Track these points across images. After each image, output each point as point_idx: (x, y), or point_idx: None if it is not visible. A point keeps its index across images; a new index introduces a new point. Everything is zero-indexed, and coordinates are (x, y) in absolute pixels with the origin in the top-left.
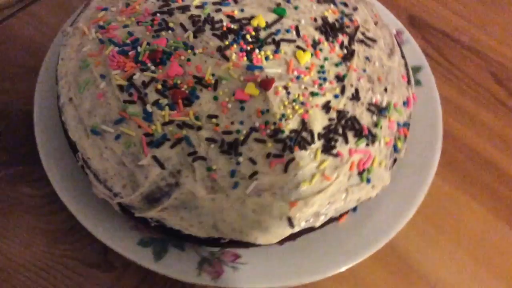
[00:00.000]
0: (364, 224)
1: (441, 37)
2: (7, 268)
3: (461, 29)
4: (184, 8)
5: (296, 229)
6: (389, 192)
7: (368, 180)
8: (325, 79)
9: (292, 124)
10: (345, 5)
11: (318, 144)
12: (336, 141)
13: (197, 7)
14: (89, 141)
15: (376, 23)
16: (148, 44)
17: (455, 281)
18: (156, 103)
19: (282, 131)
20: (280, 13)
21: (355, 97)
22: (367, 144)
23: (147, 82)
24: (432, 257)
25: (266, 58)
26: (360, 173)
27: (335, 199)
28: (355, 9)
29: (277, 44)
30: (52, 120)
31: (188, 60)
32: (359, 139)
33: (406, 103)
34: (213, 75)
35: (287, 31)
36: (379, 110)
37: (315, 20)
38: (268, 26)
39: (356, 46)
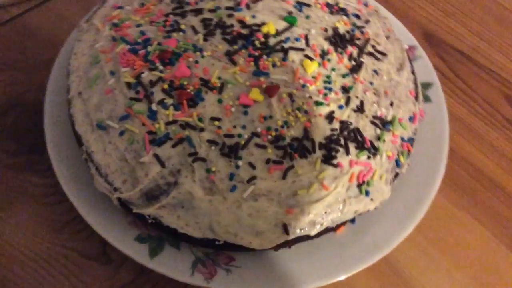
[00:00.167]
0: (362, 236)
1: (456, 55)
2: (7, 253)
3: (477, 48)
4: (197, 11)
5: (291, 236)
6: (389, 206)
7: (367, 193)
8: (330, 89)
9: (294, 131)
10: (358, 17)
11: (318, 153)
12: (337, 151)
13: (210, 10)
14: (94, 135)
15: (388, 37)
16: (158, 44)
17: None
18: (161, 102)
19: (284, 138)
20: (291, 21)
21: (360, 109)
22: (369, 157)
23: (154, 81)
24: (429, 275)
25: (273, 65)
26: (359, 185)
27: (332, 209)
28: (367, 22)
29: (285, 52)
30: (62, 112)
31: (196, 62)
32: (360, 151)
33: (412, 119)
34: (219, 78)
35: (297, 39)
36: (383, 124)
37: (326, 30)
38: (278, 33)
39: (365, 59)
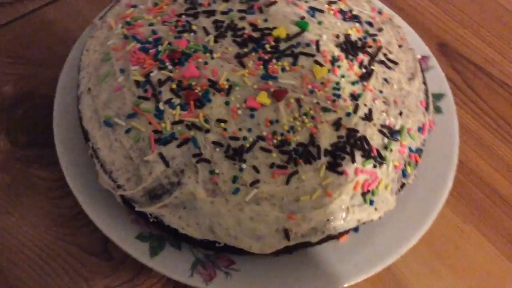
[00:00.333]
0: (364, 245)
1: (470, 67)
2: (10, 245)
3: (491, 60)
4: (210, 13)
5: (292, 242)
6: (394, 217)
7: (371, 202)
8: (339, 96)
9: (300, 137)
10: (371, 25)
11: (323, 160)
12: (342, 159)
13: (222, 12)
14: (100, 131)
15: (400, 46)
16: (169, 44)
17: None
18: (168, 102)
19: (289, 143)
20: (302, 26)
21: (368, 117)
22: (375, 166)
23: (163, 81)
24: None
25: (283, 69)
26: (364, 194)
27: (334, 217)
28: (380, 30)
29: (295, 56)
30: (71, 108)
31: (206, 63)
32: (366, 160)
33: (421, 129)
34: (227, 80)
35: (307, 45)
36: (391, 133)
37: (338, 37)
38: (289, 38)
39: (376, 67)
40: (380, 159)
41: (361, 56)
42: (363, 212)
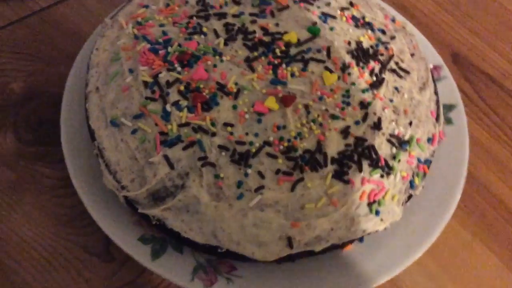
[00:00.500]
0: (369, 256)
1: (483, 78)
2: (12, 242)
3: (504, 72)
4: (221, 15)
5: (295, 250)
6: (400, 228)
7: (377, 213)
8: (348, 104)
9: (307, 143)
10: (383, 32)
11: (330, 168)
12: (349, 167)
13: (233, 15)
14: (107, 131)
15: (412, 55)
16: (179, 45)
17: None
18: (176, 104)
19: (296, 150)
20: (314, 32)
21: (377, 126)
22: (382, 176)
23: (171, 82)
24: None
25: (292, 74)
26: (370, 204)
27: (339, 226)
28: (392, 37)
29: (305, 62)
30: (79, 106)
31: (215, 66)
32: (374, 169)
33: (430, 140)
34: (236, 84)
35: (318, 50)
36: (400, 143)
37: (349, 43)
38: (299, 43)
39: (387, 75)
40: (387, 169)
41: (372, 64)
42: (369, 223)
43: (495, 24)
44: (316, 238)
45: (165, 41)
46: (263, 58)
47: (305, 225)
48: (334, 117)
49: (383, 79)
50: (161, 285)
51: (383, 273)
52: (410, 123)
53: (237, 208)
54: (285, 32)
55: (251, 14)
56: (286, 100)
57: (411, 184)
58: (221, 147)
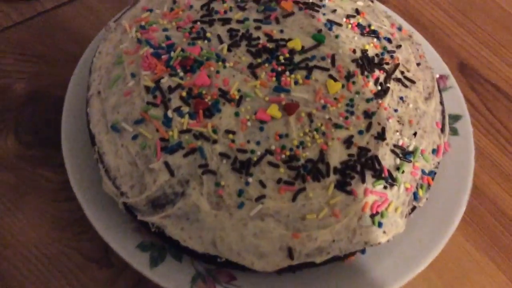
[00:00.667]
0: (371, 268)
1: (489, 88)
2: (10, 245)
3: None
4: (225, 21)
5: (296, 261)
6: (403, 240)
7: (380, 225)
8: (352, 113)
9: (309, 153)
10: (389, 41)
11: (332, 178)
12: (352, 178)
13: (238, 21)
14: (107, 136)
15: (418, 64)
16: (182, 50)
17: None
18: (177, 110)
19: (298, 159)
20: (319, 39)
21: (381, 136)
22: (385, 187)
23: (173, 88)
24: None
25: (296, 82)
26: (373, 216)
27: (340, 237)
28: (398, 46)
29: (309, 70)
30: (81, 110)
31: (217, 72)
32: (377, 180)
33: (435, 151)
34: (238, 90)
35: (323, 58)
36: (404, 154)
37: (354, 51)
38: (304, 50)
39: (392, 85)
40: (391, 180)
41: (377, 72)
42: (371, 234)
43: (503, 33)
44: (317, 249)
45: (168, 46)
46: (266, 65)
47: (306, 236)
48: (337, 126)
49: (388, 88)
50: None
51: (385, 286)
52: (415, 134)
53: (238, 217)
54: (290, 39)
55: (255, 20)
56: (289, 108)
57: (415, 196)
58: (222, 155)
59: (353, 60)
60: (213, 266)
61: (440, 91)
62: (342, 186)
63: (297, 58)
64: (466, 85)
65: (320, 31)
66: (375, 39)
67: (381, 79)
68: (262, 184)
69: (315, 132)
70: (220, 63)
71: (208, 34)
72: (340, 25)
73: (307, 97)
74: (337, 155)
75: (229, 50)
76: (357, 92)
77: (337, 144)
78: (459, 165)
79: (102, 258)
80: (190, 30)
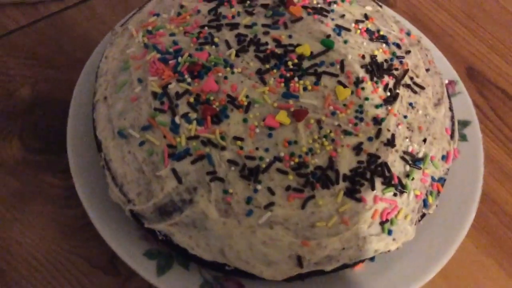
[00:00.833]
0: (380, 276)
1: (499, 94)
2: (15, 252)
3: None
4: (233, 26)
5: (305, 270)
6: (412, 247)
7: (390, 232)
8: (361, 119)
9: (318, 160)
10: (398, 46)
11: (342, 185)
12: (361, 185)
13: (246, 26)
14: (114, 142)
15: (427, 70)
16: (189, 55)
17: None
18: (185, 116)
19: (307, 166)
20: (327, 45)
21: (390, 143)
22: (395, 194)
23: (180, 93)
24: None
25: (304, 88)
26: (382, 223)
27: (350, 245)
28: (407, 52)
29: (318, 76)
30: (86, 115)
31: (225, 78)
32: (387, 188)
33: (445, 158)
34: (247, 96)
35: (331, 64)
36: (414, 161)
37: (363, 57)
38: (312, 56)
39: (401, 91)
40: (401, 188)
41: (386, 78)
42: (381, 242)
43: (511, 38)
44: (327, 257)
45: (175, 51)
46: (275, 70)
47: (316, 244)
48: (346, 133)
49: (397, 94)
50: None
51: None
52: (424, 140)
53: (246, 225)
54: (298, 45)
55: (264, 25)
56: (298, 115)
57: (425, 203)
58: (231, 162)
59: (362, 66)
60: (221, 274)
61: (449, 97)
62: (352, 193)
63: (305, 64)
64: (475, 90)
65: (328, 36)
66: (384, 45)
67: (390, 85)
68: (271, 192)
69: (324, 139)
70: (228, 68)
71: (216, 39)
72: (349, 30)
73: (316, 104)
74: (346, 162)
75: (237, 55)
76: (366, 98)
77: (347, 151)
78: (468, 171)
79: (108, 265)
80: (198, 35)
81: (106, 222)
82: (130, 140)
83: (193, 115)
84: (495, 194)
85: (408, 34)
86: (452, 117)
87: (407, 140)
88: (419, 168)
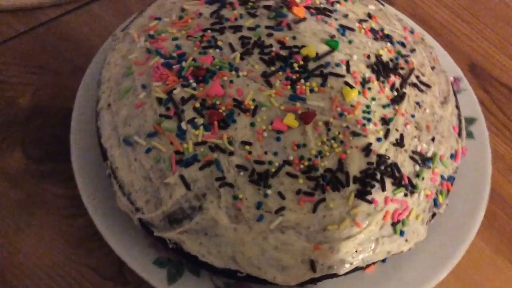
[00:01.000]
0: (391, 277)
1: (503, 90)
2: (21, 264)
3: None
4: (236, 28)
5: (318, 274)
6: (423, 247)
7: (402, 233)
8: (369, 120)
9: (328, 162)
10: (403, 45)
11: (352, 187)
12: (372, 186)
13: (249, 28)
14: (119, 150)
15: (433, 68)
16: (193, 60)
17: None
18: (191, 121)
19: (317, 169)
20: (332, 45)
21: (399, 143)
22: (406, 195)
23: (186, 99)
24: None
25: (311, 90)
26: (394, 224)
27: (363, 248)
28: (412, 50)
29: (324, 77)
30: (90, 123)
31: (231, 81)
32: (397, 188)
33: (453, 156)
34: (253, 100)
35: (337, 65)
36: (423, 160)
37: (368, 57)
38: (318, 57)
39: (408, 90)
40: (411, 188)
41: (392, 78)
42: (393, 243)
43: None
44: (340, 261)
45: (179, 56)
46: (280, 73)
47: (328, 248)
48: (355, 134)
49: (404, 93)
50: None
51: None
52: (433, 139)
53: (257, 230)
54: (303, 46)
55: (267, 27)
56: (306, 117)
57: (435, 202)
58: (239, 167)
59: (368, 66)
60: (232, 281)
61: (455, 94)
62: (363, 195)
63: (311, 65)
64: (478, 86)
65: (333, 36)
66: (388, 44)
67: (397, 85)
68: (281, 196)
69: (333, 141)
70: (233, 72)
71: (219, 43)
72: (353, 30)
73: (323, 105)
74: (356, 164)
75: (241, 58)
76: (373, 99)
77: (356, 153)
78: (476, 168)
79: (117, 275)
80: (201, 39)
81: (114, 231)
82: (136, 147)
83: (200, 121)
84: (502, 190)
85: (412, 32)
86: (459, 115)
87: (416, 139)
88: (429, 168)
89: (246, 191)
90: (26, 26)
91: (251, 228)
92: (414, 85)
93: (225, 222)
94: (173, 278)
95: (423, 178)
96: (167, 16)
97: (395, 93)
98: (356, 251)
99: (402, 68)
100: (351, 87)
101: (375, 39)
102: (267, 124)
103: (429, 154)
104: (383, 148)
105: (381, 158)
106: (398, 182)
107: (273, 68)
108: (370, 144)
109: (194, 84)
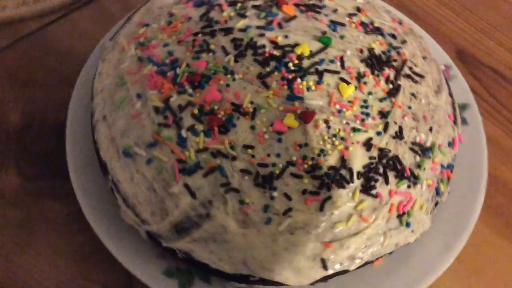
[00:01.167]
0: (399, 268)
1: (491, 75)
2: (27, 284)
3: None
4: (227, 30)
5: (330, 272)
6: (427, 236)
7: (408, 224)
8: (368, 115)
9: (331, 160)
10: (394, 37)
11: (357, 183)
12: (376, 181)
13: (240, 30)
14: (120, 163)
15: (424, 58)
16: (187, 65)
17: None
18: (191, 129)
19: (320, 167)
20: (325, 42)
21: (399, 135)
22: (409, 186)
23: (183, 106)
24: None
25: (308, 88)
26: (400, 216)
27: (372, 242)
28: (403, 42)
29: (320, 74)
30: (85, 136)
31: (227, 85)
32: (400, 180)
33: (451, 144)
34: (251, 103)
35: (332, 61)
36: (423, 151)
37: (361, 51)
38: (312, 55)
39: (402, 81)
40: (413, 179)
41: (387, 71)
42: (400, 235)
43: (496, 17)
44: (351, 257)
45: (172, 62)
46: (276, 73)
47: (338, 245)
48: (355, 129)
49: (399, 85)
50: None
51: (416, 285)
52: (431, 129)
53: (266, 233)
54: (296, 44)
55: (258, 27)
56: (306, 116)
57: (437, 191)
58: (243, 171)
59: (362, 60)
60: (244, 285)
61: (447, 82)
62: (367, 190)
63: (306, 63)
64: (467, 72)
65: (324, 33)
66: (379, 36)
67: (392, 77)
68: (288, 197)
69: (334, 138)
70: (229, 75)
71: (211, 46)
72: (343, 25)
73: (321, 103)
74: (358, 160)
75: (236, 61)
76: (370, 93)
77: (358, 148)
78: (472, 154)
79: None
80: (193, 43)
81: (120, 245)
82: (136, 158)
83: (200, 127)
84: (499, 174)
85: (400, 23)
86: (453, 103)
87: (414, 130)
88: (429, 157)
89: (252, 195)
90: (7, 41)
91: (260, 231)
92: (408, 76)
93: (234, 227)
94: (185, 287)
95: (424, 169)
96: (156, 22)
97: (391, 86)
98: (365, 246)
99: (395, 60)
100: (347, 83)
101: (366, 32)
102: (267, 126)
103: (428, 144)
104: (384, 141)
105: (383, 151)
106: (400, 175)
107: (268, 69)
108: (370, 138)
109: (190, 90)
